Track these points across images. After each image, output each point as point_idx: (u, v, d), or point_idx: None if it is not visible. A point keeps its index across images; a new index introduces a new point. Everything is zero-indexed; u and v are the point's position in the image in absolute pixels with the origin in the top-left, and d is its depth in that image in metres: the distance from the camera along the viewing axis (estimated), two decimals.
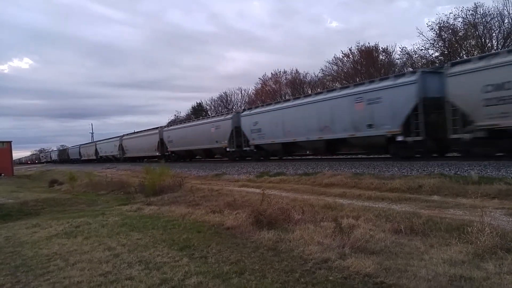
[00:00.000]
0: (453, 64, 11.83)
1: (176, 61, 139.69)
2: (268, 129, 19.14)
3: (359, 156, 17.67)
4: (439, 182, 8.93)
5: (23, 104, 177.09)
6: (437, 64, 25.64)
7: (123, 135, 40.77)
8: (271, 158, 20.71)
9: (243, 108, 27.45)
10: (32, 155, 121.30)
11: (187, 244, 5.60)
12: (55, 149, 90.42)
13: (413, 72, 13.36)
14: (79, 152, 56.52)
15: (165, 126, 32.68)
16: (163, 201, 11.02)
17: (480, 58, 11.13)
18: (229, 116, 23.04)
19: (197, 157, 28.00)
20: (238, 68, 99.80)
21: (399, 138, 12.67)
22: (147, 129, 35.49)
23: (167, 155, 29.85)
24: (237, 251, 5.04)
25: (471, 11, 26.18)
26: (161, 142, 30.66)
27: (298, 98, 19.47)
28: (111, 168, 33.49)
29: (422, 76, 12.34)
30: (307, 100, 17.42)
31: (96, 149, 48.42)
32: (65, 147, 78.46)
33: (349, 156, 17.96)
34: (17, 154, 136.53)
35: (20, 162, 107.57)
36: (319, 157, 18.16)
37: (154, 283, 4.03)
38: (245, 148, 21.26)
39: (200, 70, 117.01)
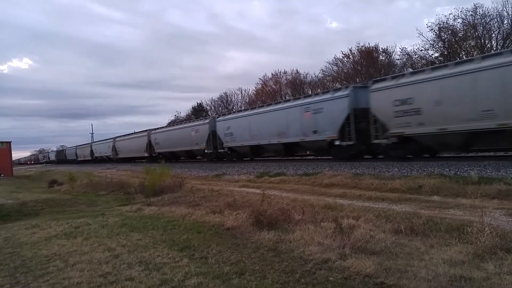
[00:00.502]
0: (374, 82, 14.33)
1: (176, 61, 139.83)
2: (239, 133, 21.59)
3: (310, 157, 20.21)
4: (439, 183, 8.94)
5: (23, 104, 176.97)
6: (437, 64, 25.66)
7: (116, 137, 42.66)
8: (244, 159, 23.14)
9: (218, 114, 30.37)
10: (31, 155, 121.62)
11: (187, 244, 5.59)
12: (55, 149, 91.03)
13: (347, 87, 15.85)
14: (76, 153, 58.33)
15: (153, 129, 34.35)
16: (163, 201, 11.01)
17: (393, 78, 13.74)
18: (207, 121, 25.52)
19: (181, 158, 30.19)
20: (238, 68, 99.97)
21: (337, 142, 15.11)
22: (137, 132, 38.06)
23: (155, 156, 31.66)
24: (237, 252, 5.03)
25: (470, 12, 26.25)
26: (149, 144, 32.82)
27: (262, 106, 22.45)
28: (111, 169, 33.48)
29: (353, 91, 14.92)
30: (268, 109, 20.19)
31: (91, 150, 50.10)
32: (63, 148, 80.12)
33: (304, 158, 20.55)
34: (17, 155, 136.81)
35: (19, 162, 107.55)
36: (319, 157, 18.66)
37: (154, 284, 4.03)
38: (220, 150, 23.60)
39: (200, 70, 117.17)
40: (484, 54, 15.18)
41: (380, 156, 14.85)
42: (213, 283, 3.91)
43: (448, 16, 27.61)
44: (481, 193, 7.48)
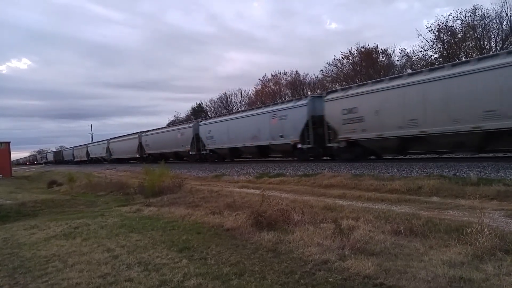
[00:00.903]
0: (328, 93, 16.57)
1: (176, 61, 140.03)
2: (218, 136, 23.29)
3: (278, 158, 21.56)
4: (438, 184, 8.94)
5: (22, 104, 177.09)
6: (436, 65, 25.68)
7: (110, 139, 44.48)
8: (225, 160, 24.60)
9: (200, 119, 32.14)
10: (30, 156, 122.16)
11: (186, 245, 5.59)
12: (55, 149, 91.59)
13: (306, 97, 18.13)
14: (73, 154, 59.75)
15: (143, 132, 36.17)
16: (163, 202, 11.00)
17: (342, 89, 15.99)
18: (191, 125, 27.49)
19: (170, 159, 31.36)
20: (238, 69, 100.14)
21: (299, 146, 16.98)
22: (129, 134, 40.26)
23: (145, 157, 33.65)
24: (236, 253, 5.03)
25: (469, 13, 26.29)
26: (140, 146, 34.74)
27: (238, 112, 25.14)
28: (110, 169, 33.47)
29: (312, 100, 16.98)
30: (243, 115, 22.14)
31: (87, 151, 51.79)
32: (61, 149, 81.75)
33: (274, 159, 21.82)
34: (16, 155, 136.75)
35: (18, 163, 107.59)
36: (284, 159, 20.12)
37: (154, 285, 4.02)
38: (202, 152, 25.30)
39: (199, 70, 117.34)
40: (411, 72, 17.74)
41: (331, 158, 17.28)
42: (212, 284, 3.91)
43: (447, 17, 27.69)
44: (480, 194, 7.48)
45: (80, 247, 6.05)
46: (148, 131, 35.73)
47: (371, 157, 15.63)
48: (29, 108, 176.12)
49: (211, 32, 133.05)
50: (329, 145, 15.66)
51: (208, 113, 52.01)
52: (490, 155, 13.12)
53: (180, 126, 30.42)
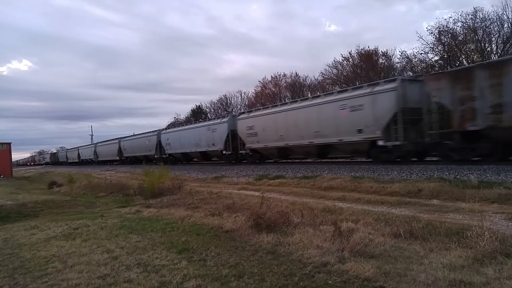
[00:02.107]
0: (239, 114, 23.93)
1: (175, 63, 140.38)
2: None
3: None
4: (438, 186, 8.93)
5: (23, 106, 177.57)
6: (436, 69, 25.74)
7: (97, 143, 51.24)
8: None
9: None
10: (29, 157, 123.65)
11: (186, 247, 5.58)
12: (55, 151, 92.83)
13: (227, 116, 24.18)
14: (66, 156, 66.02)
15: (122, 138, 41.39)
16: (162, 203, 10.99)
17: (248, 112, 22.96)
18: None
19: (144, 161, 33.10)
20: (237, 71, 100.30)
21: (224, 152, 22.97)
22: (111, 139, 46.07)
23: (124, 159, 39.60)
24: (236, 254, 5.02)
25: (470, 16, 26.29)
26: (119, 150, 40.11)
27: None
28: (110, 170, 33.49)
29: (230, 119, 22.91)
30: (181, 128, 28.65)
31: (78, 153, 57.19)
32: (56, 151, 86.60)
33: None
34: (17, 156, 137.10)
35: (18, 164, 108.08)
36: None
37: (153, 286, 4.01)
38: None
39: (198, 72, 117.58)
40: (282, 103, 24.33)
41: (245, 161, 22.60)
42: (211, 286, 3.90)
43: (448, 20, 27.70)
44: (481, 197, 7.48)
45: (80, 248, 6.04)
46: (127, 137, 40.81)
47: (269, 160, 21.34)
48: (30, 109, 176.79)
49: (210, 34, 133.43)
50: (241, 151, 21.86)
51: (208, 115, 52.07)
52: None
53: (146, 134, 33.93)
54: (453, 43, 27.47)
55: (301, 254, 4.75)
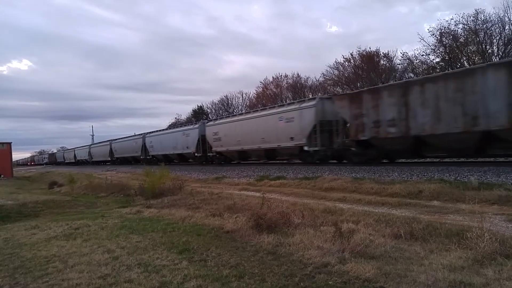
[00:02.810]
0: (208, 121, 27.40)
1: (175, 64, 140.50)
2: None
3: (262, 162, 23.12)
4: (439, 188, 8.93)
5: (23, 105, 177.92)
6: (437, 70, 25.76)
7: (91, 145, 56.85)
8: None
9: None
10: (29, 157, 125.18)
11: (186, 247, 5.59)
12: (55, 151, 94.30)
13: (197, 123, 28.04)
14: (63, 156, 70.21)
15: (113, 140, 45.02)
16: (163, 204, 11.00)
17: (214, 120, 27.21)
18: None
19: (132, 162, 38.73)
20: (237, 71, 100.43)
21: (195, 154, 26.54)
22: (102, 141, 51.82)
23: (114, 159, 43.59)
24: (236, 255, 5.03)
25: (472, 18, 26.32)
26: (111, 151, 43.98)
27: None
28: (111, 171, 33.53)
29: (200, 125, 26.50)
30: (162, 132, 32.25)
31: (74, 154, 61.44)
32: (58, 150, 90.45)
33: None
34: (18, 156, 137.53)
35: (18, 164, 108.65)
36: (264, 161, 20.91)
37: (153, 286, 4.02)
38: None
39: (199, 73, 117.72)
40: (240, 113, 27.65)
41: (214, 162, 25.43)
42: (212, 286, 3.91)
43: (449, 21, 27.72)
44: (481, 199, 7.48)
45: (81, 248, 6.05)
46: (118, 139, 44.12)
47: (233, 162, 24.12)
48: (30, 109, 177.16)
49: (211, 35, 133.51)
50: (209, 154, 25.29)
51: (209, 115, 52.14)
52: (491, 159, 13.12)
53: (133, 137, 37.67)
54: (454, 44, 27.50)
55: (301, 254, 4.76)
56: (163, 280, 4.16)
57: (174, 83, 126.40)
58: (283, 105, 20.45)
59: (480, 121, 10.35)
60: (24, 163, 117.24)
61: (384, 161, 15.22)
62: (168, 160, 30.81)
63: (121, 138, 43.75)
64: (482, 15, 25.99)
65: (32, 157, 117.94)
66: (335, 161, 17.18)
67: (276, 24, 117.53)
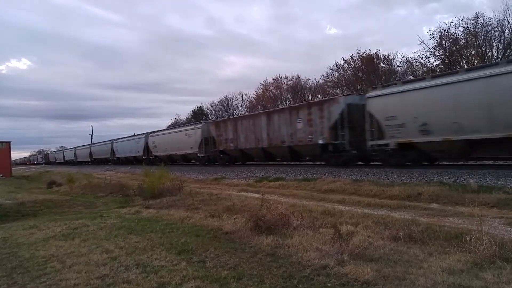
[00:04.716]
0: (150, 133, 34.58)
1: (175, 64, 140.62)
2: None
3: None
4: (438, 190, 8.93)
5: (22, 104, 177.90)
6: (437, 72, 25.77)
7: (77, 147, 62.71)
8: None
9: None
10: (28, 156, 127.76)
11: (185, 248, 5.58)
12: (54, 150, 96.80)
13: (144, 134, 35.18)
14: (55, 157, 78.06)
15: (93, 144, 51.82)
16: (162, 204, 10.98)
17: (155, 131, 34.78)
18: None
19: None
20: (237, 73, 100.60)
21: (143, 156, 33.89)
22: (83, 145, 60.13)
23: (93, 160, 49.48)
24: (235, 256, 5.02)
25: (471, 21, 26.38)
26: (90, 153, 50.04)
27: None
28: (110, 170, 33.48)
29: (146, 135, 34.72)
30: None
31: (63, 155, 69.47)
32: (51, 151, 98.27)
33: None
34: (17, 155, 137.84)
35: (16, 163, 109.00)
36: (319, 163, 18.47)
37: (152, 287, 4.01)
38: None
39: (199, 73, 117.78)
40: (180, 124, 37.07)
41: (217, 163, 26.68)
42: (210, 287, 3.90)
43: (449, 25, 27.80)
44: (480, 202, 7.48)
45: (79, 248, 6.04)
46: (96, 143, 49.77)
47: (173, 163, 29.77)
48: (29, 108, 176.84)
49: (210, 36, 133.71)
50: (151, 157, 32.81)
51: (209, 116, 52.16)
52: (491, 162, 13.13)
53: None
54: (454, 47, 27.55)
55: (300, 256, 4.75)
56: (161, 281, 4.15)
57: (174, 84, 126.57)
58: (188, 125, 31.18)
59: (260, 142, 20.04)
60: (21, 162, 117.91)
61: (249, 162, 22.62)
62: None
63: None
64: (482, 19, 26.08)
65: (29, 157, 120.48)
66: (217, 163, 24.76)
67: (276, 26, 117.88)
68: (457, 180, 9.92)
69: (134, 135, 39.97)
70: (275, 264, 4.59)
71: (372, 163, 16.08)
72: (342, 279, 3.91)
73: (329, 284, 3.81)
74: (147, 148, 34.08)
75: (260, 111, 27.29)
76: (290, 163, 20.51)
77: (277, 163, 21.38)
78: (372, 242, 5.16)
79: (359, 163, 16.24)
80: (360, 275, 3.89)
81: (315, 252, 4.82)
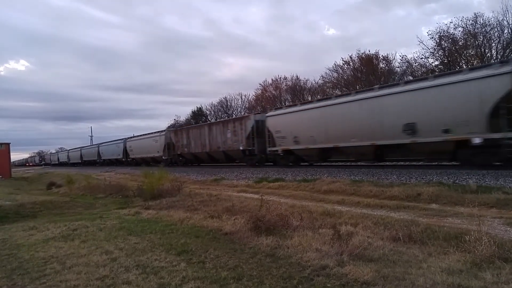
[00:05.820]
0: (128, 138, 40.63)
1: (173, 65, 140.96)
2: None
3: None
4: (437, 191, 8.94)
5: (21, 106, 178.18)
6: (436, 73, 25.80)
7: (69, 149, 67.93)
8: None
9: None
10: (27, 158, 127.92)
11: (185, 249, 5.58)
12: (54, 151, 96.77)
13: (122, 139, 41.44)
14: (50, 158, 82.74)
15: (83, 147, 58.82)
16: (162, 205, 10.97)
17: (131, 137, 40.20)
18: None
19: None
20: (235, 74, 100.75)
21: (122, 159, 40.73)
22: (74, 148, 64.73)
23: (83, 162, 53.72)
24: (235, 257, 5.02)
25: (471, 21, 26.41)
26: (81, 156, 54.86)
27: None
28: (110, 172, 33.45)
29: (124, 140, 40.58)
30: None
31: (58, 157, 73.16)
32: (46, 153, 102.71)
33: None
34: (17, 156, 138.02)
35: (14, 164, 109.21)
36: (318, 164, 18.59)
37: None
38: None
39: (197, 75, 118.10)
40: (151, 132, 38.02)
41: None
42: None
43: (448, 25, 27.82)
44: (480, 202, 7.49)
45: (79, 249, 6.03)
46: (85, 146, 54.15)
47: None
48: (28, 109, 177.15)
49: (209, 37, 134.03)
50: (129, 159, 37.48)
51: (208, 117, 52.17)
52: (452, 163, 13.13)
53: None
54: (453, 48, 27.57)
55: (300, 257, 4.76)
56: (161, 282, 4.16)
57: (172, 85, 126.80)
58: (155, 133, 34.07)
59: (205, 147, 24.94)
60: (19, 164, 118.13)
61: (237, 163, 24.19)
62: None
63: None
64: (481, 19, 26.10)
65: (27, 159, 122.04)
66: (176, 164, 29.73)
67: (274, 27, 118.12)
68: (457, 181, 9.93)
69: (115, 140, 45.55)
70: (275, 264, 4.59)
71: (269, 163, 20.82)
72: (342, 279, 3.92)
73: (328, 285, 3.82)
74: (125, 151, 40.24)
75: (203, 123, 34.23)
76: (272, 163, 20.57)
77: (270, 164, 21.38)
78: (372, 242, 5.17)
79: (266, 163, 21.15)
80: (360, 276, 3.90)
81: (314, 252, 4.83)
